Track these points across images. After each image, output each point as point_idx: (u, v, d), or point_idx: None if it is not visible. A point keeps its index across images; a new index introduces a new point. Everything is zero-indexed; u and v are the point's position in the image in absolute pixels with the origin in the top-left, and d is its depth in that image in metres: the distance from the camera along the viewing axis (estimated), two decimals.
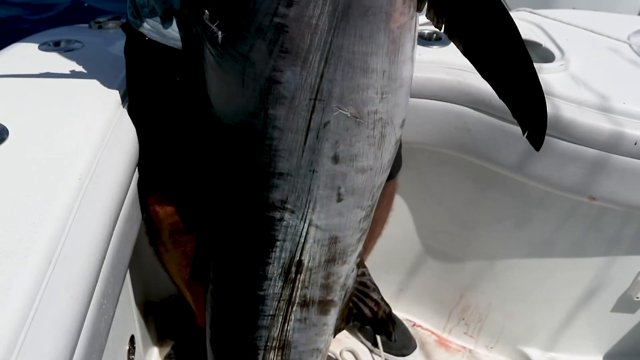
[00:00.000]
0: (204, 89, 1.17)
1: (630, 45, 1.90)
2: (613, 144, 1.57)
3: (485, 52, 1.08)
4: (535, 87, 1.07)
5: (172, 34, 1.28)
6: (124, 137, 1.31)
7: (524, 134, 1.12)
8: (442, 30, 1.09)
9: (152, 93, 1.37)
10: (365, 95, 1.07)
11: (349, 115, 1.08)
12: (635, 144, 1.56)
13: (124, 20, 1.98)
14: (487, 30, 1.05)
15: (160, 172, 1.45)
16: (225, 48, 1.06)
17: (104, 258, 1.10)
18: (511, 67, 1.07)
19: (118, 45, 1.66)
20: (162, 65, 1.31)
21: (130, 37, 1.39)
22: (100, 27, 1.89)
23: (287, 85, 1.03)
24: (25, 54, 1.60)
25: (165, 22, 1.27)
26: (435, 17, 1.07)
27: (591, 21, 1.99)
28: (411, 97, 1.18)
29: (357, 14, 0.99)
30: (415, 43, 1.13)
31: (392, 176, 1.70)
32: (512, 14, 2.05)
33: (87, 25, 1.95)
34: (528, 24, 1.93)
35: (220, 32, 1.05)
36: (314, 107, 1.05)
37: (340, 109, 1.07)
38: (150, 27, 1.30)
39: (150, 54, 1.31)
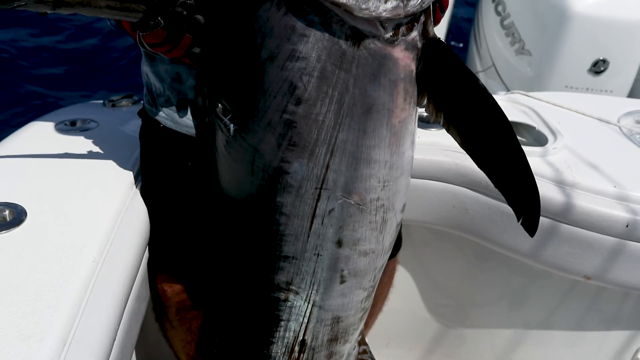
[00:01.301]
0: (215, 175, 1.23)
1: (620, 128, 1.99)
2: (605, 226, 1.62)
3: (480, 145, 1.15)
4: (527, 179, 1.13)
5: (185, 122, 1.36)
6: (136, 218, 1.36)
7: (518, 220, 1.18)
8: (440, 124, 1.17)
9: (165, 177, 1.44)
10: (368, 184, 1.14)
11: (352, 202, 1.14)
12: (627, 226, 1.61)
13: (136, 99, 2.09)
14: (481, 125, 1.13)
15: (170, 252, 1.50)
16: (236, 139, 1.13)
17: (115, 338, 1.14)
18: (504, 159, 1.14)
19: (131, 125, 1.74)
20: (175, 151, 1.38)
21: (145, 123, 1.46)
22: (113, 106, 1.98)
23: (294, 176, 1.10)
24: (43, 134, 1.67)
25: (180, 111, 1.35)
26: (434, 111, 1.15)
27: (582, 103, 2.08)
28: (411, 177, 1.24)
29: (361, 111, 1.07)
30: (415, 133, 1.20)
31: (392, 255, 1.75)
32: (507, 96, 2.16)
33: (101, 102, 2.04)
34: (522, 107, 2.02)
35: (232, 125, 1.12)
36: (319, 195, 1.12)
37: (344, 197, 1.13)
38: (165, 116, 1.38)
39: (165, 140, 1.38)
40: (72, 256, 1.16)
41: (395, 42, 1.05)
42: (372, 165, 1.12)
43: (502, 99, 2.10)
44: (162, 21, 1.09)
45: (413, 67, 1.09)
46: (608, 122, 1.98)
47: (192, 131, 1.34)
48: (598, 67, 3.20)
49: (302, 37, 1.02)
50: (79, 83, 3.68)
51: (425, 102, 1.16)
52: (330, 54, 1.03)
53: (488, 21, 3.70)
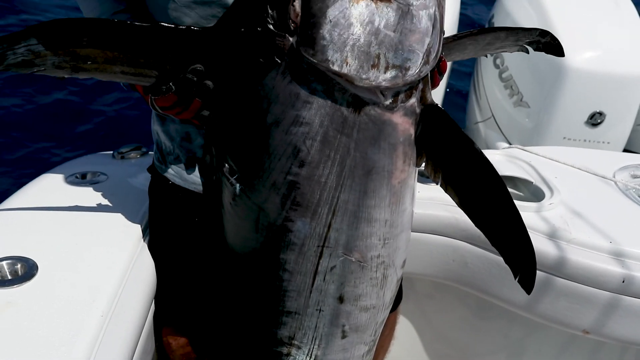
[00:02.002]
0: (221, 231, 1.27)
1: (615, 183, 2.03)
2: (602, 281, 1.66)
3: (477, 205, 1.20)
4: (522, 238, 1.17)
5: (193, 179, 1.41)
6: (143, 272, 1.40)
7: (515, 278, 1.21)
8: (438, 184, 1.22)
9: (172, 232, 1.48)
10: (369, 242, 1.18)
11: (353, 260, 1.18)
12: (623, 281, 1.65)
13: (144, 150, 2.15)
14: (477, 187, 1.18)
15: (175, 306, 1.53)
16: (242, 198, 1.18)
17: None
18: (500, 220, 1.18)
19: (140, 178, 1.79)
20: (182, 207, 1.43)
21: (154, 179, 1.52)
22: (122, 157, 2.04)
23: (297, 234, 1.14)
24: (54, 187, 1.73)
25: (188, 169, 1.40)
26: (433, 172, 1.20)
27: (579, 158, 2.13)
28: (411, 231, 1.28)
29: (362, 173, 1.12)
30: (415, 192, 1.25)
31: (393, 309, 1.78)
32: (506, 150, 2.21)
33: (110, 153, 2.10)
34: (520, 162, 2.08)
35: (238, 184, 1.17)
36: (321, 253, 1.16)
37: (345, 254, 1.18)
38: (174, 173, 1.43)
39: (173, 196, 1.43)
40: (82, 311, 1.20)
41: (395, 109, 1.11)
42: (373, 224, 1.17)
43: (500, 154, 2.16)
44: (173, 86, 1.15)
45: (412, 131, 1.15)
46: (604, 177, 2.03)
47: (199, 188, 1.39)
48: (595, 120, 3.27)
49: (305, 103, 1.08)
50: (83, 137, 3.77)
51: (424, 163, 1.21)
52: (332, 119, 1.08)
53: (487, 74, 3.79)
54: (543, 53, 1.54)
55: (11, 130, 3.72)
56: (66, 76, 1.12)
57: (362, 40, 1.04)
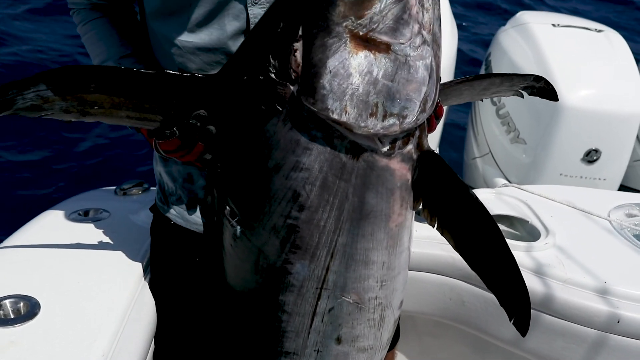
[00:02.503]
0: (221, 271, 1.30)
1: (610, 222, 2.06)
2: (597, 322, 1.67)
3: (472, 249, 1.23)
4: (517, 283, 1.20)
5: (195, 220, 1.44)
6: (143, 312, 1.42)
7: (510, 320, 1.23)
8: (435, 228, 1.25)
9: (173, 271, 1.50)
10: (367, 284, 1.20)
11: (351, 301, 1.20)
12: (618, 322, 1.66)
13: (146, 186, 2.17)
14: (472, 231, 1.21)
15: (176, 345, 1.54)
16: (242, 239, 1.20)
17: None
18: (495, 264, 1.21)
19: (141, 215, 1.81)
20: (184, 247, 1.46)
21: (156, 218, 1.54)
22: (125, 194, 2.06)
23: (296, 276, 1.17)
24: (57, 224, 1.75)
25: (190, 210, 1.43)
26: (429, 216, 1.23)
27: (574, 197, 2.16)
28: (409, 270, 1.31)
29: (360, 217, 1.15)
30: (412, 234, 1.28)
31: (390, 348, 1.79)
32: (502, 189, 2.25)
33: (113, 189, 2.13)
34: (516, 201, 2.11)
35: (239, 227, 1.20)
36: (320, 295, 1.18)
37: (343, 296, 1.20)
38: (176, 213, 1.46)
39: (174, 236, 1.46)
40: (83, 351, 1.22)
41: (392, 155, 1.14)
42: (370, 266, 1.19)
43: (496, 192, 2.19)
44: (177, 131, 1.19)
45: (409, 176, 1.18)
46: (599, 217, 2.06)
47: (200, 228, 1.42)
48: (591, 157, 3.32)
49: (305, 150, 1.12)
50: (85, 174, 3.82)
51: (420, 207, 1.24)
52: (331, 165, 1.12)
53: (484, 110, 3.84)
54: None
55: (13, 165, 3.76)
56: (73, 120, 1.16)
57: (361, 89, 1.07)
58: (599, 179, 3.36)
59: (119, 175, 3.70)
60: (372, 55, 1.08)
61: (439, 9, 1.16)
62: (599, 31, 3.64)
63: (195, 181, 1.45)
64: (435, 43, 1.14)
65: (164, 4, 1.31)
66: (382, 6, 1.07)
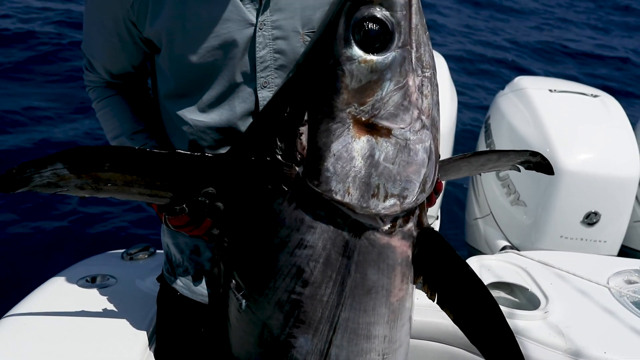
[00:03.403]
0: (226, 342, 1.32)
1: (609, 290, 2.09)
2: None
3: (471, 324, 1.26)
4: (515, 356, 1.22)
5: (200, 291, 1.48)
6: None
7: None
8: (435, 302, 1.28)
9: (179, 341, 1.53)
10: (368, 357, 1.23)
11: None
12: None
13: (152, 250, 2.21)
14: (471, 307, 1.24)
15: None
16: (247, 313, 1.24)
17: None
18: (494, 339, 1.24)
19: (148, 282, 1.85)
20: (189, 318, 1.49)
21: (163, 289, 1.58)
22: (131, 259, 2.10)
23: (299, 350, 1.20)
24: (64, 291, 1.78)
25: (196, 281, 1.47)
26: (429, 292, 1.27)
27: (574, 263, 2.20)
28: (410, 338, 1.33)
29: (362, 293, 1.19)
30: (413, 305, 1.31)
31: None
32: (501, 256, 2.28)
33: (120, 253, 2.16)
34: (515, 267, 2.14)
35: (244, 300, 1.24)
36: None
37: None
38: (182, 285, 1.50)
39: (180, 307, 1.49)
40: None
41: (393, 233, 1.19)
42: (372, 340, 1.22)
43: (496, 259, 2.22)
44: (186, 208, 1.24)
45: (409, 253, 1.23)
46: (598, 284, 2.08)
47: (206, 300, 1.45)
48: (590, 219, 3.35)
49: (310, 228, 1.16)
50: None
51: (421, 281, 1.28)
52: (334, 243, 1.16)
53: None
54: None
55: (21, 228, 3.82)
56: (87, 196, 1.21)
57: (363, 172, 1.13)
58: (600, 241, 3.38)
59: (126, 237, 3.74)
60: (374, 140, 1.14)
61: (438, 95, 1.23)
62: (595, 96, 3.73)
63: (202, 253, 1.50)
64: (434, 127, 1.20)
65: (178, 86, 1.39)
66: (384, 93, 1.14)
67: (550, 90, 3.71)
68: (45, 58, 6.82)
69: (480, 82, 8.38)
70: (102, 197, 1.24)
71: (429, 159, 1.18)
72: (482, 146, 3.99)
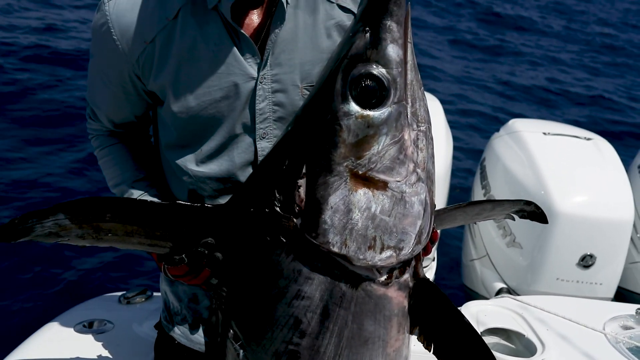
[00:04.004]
0: None
1: (605, 335, 2.09)
2: None
3: None
4: None
5: (198, 339, 1.48)
6: None
7: None
8: (432, 352, 1.29)
9: None
10: None
11: None
12: None
13: (149, 294, 2.22)
14: (467, 358, 1.25)
15: None
16: None
17: None
18: None
19: (145, 327, 1.85)
20: None
21: (161, 336, 1.59)
22: (128, 303, 2.10)
23: None
24: (61, 336, 1.78)
25: (194, 329, 1.48)
26: (425, 342, 1.28)
27: (569, 308, 2.21)
28: None
29: (359, 343, 1.20)
30: (409, 357, 1.32)
31: None
32: (497, 300, 2.29)
33: (117, 297, 2.17)
34: (511, 313, 2.15)
35: (241, 351, 1.25)
36: None
37: None
38: (180, 333, 1.50)
39: (178, 355, 1.50)
40: None
41: (389, 284, 1.21)
42: None
43: (492, 304, 2.23)
44: (185, 258, 1.26)
45: (405, 303, 1.24)
46: (594, 329, 2.09)
47: (203, 348, 1.45)
48: (586, 262, 3.36)
49: (307, 279, 1.18)
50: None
51: (417, 332, 1.29)
52: (332, 294, 1.18)
53: None
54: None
55: (23, 271, 3.80)
56: (87, 245, 1.23)
57: (360, 224, 1.15)
58: (596, 283, 3.39)
59: (123, 279, 3.74)
60: (370, 193, 1.16)
61: (433, 148, 1.26)
62: (588, 139, 3.78)
63: (200, 301, 1.51)
64: (429, 179, 1.23)
65: (180, 137, 1.42)
66: (380, 147, 1.17)
67: (544, 133, 3.77)
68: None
69: (475, 123, 8.48)
70: (102, 246, 1.26)
71: (424, 211, 1.21)
72: (477, 187, 4.03)
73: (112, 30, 1.35)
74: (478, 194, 4.02)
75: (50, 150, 5.67)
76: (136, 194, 1.50)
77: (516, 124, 3.99)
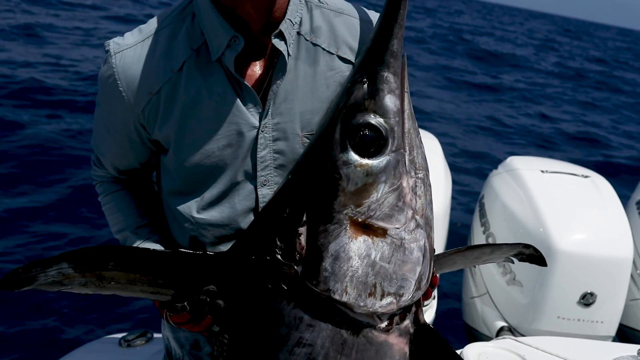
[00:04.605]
0: None
1: None
2: None
3: None
4: None
5: None
6: None
7: None
8: None
9: None
10: None
11: None
12: None
13: (149, 336, 2.21)
14: None
15: None
16: None
17: None
18: None
19: None
20: None
21: None
22: (129, 345, 2.10)
23: None
24: None
25: None
26: None
27: (570, 349, 2.20)
28: None
29: None
30: None
31: None
32: (498, 342, 2.28)
33: (117, 339, 2.16)
34: (512, 355, 2.14)
35: None
36: None
37: None
38: None
39: None
40: None
41: (390, 330, 1.22)
42: None
43: (493, 345, 2.22)
44: (187, 306, 1.26)
45: (406, 349, 1.25)
46: None
47: None
48: (587, 300, 3.36)
49: (309, 327, 1.19)
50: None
51: None
52: (333, 341, 1.19)
53: None
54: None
55: (22, 317, 3.78)
56: (90, 293, 1.24)
57: (360, 271, 1.17)
58: (597, 321, 3.38)
59: (123, 318, 3.72)
60: (370, 240, 1.18)
61: (431, 194, 1.28)
62: (586, 177, 3.81)
63: (202, 347, 1.51)
64: (428, 225, 1.25)
65: (183, 184, 1.44)
66: (379, 195, 1.19)
67: (542, 171, 3.80)
68: None
69: (473, 162, 8.54)
70: (105, 293, 1.27)
71: (423, 257, 1.22)
72: (476, 224, 4.04)
73: (118, 82, 1.38)
74: (477, 231, 4.03)
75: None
76: (139, 240, 1.51)
77: (514, 161, 4.02)
